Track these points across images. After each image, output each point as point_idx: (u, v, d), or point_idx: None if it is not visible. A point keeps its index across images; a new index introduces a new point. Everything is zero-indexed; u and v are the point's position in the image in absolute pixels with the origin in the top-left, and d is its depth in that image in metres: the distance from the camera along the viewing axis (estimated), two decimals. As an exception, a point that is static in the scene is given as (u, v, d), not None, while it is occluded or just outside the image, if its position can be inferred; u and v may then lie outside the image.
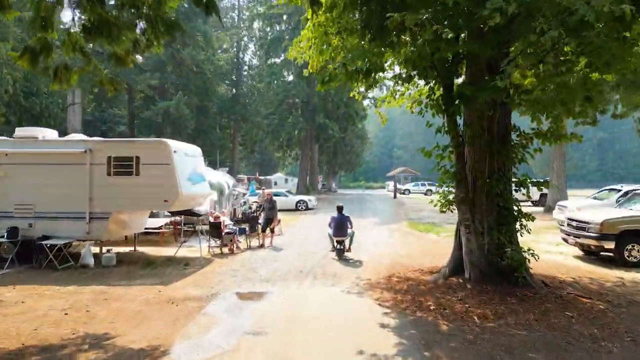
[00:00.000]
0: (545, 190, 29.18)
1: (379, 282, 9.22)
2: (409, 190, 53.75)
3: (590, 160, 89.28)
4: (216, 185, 18.08)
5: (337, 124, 36.26)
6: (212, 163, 50.12)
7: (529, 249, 8.35)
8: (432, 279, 9.04)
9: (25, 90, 24.86)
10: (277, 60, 38.94)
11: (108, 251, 11.58)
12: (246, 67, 47.75)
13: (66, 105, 26.35)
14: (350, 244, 12.54)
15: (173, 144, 11.57)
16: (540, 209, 27.45)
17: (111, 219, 11.33)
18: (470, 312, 6.91)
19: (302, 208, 27.78)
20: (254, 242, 14.51)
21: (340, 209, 12.90)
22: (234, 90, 46.73)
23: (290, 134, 35.30)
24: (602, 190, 20.42)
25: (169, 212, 13.69)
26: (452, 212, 9.43)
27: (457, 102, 7.89)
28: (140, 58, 38.27)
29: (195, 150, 13.14)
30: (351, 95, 12.18)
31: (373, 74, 8.21)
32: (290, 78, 38.75)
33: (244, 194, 21.80)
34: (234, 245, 13.47)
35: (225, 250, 13.36)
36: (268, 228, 14.51)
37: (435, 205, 9.74)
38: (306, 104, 36.22)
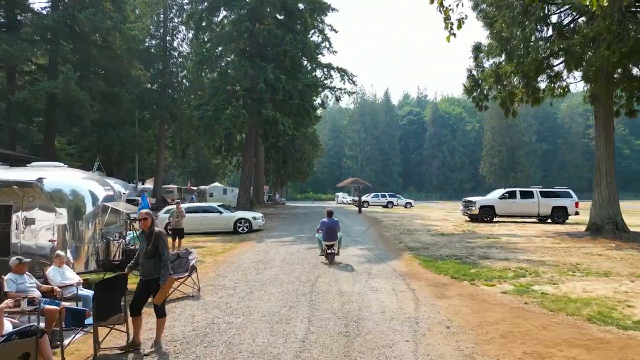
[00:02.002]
0: (560, 202, 22.20)
1: None
2: (367, 202, 46.16)
3: (535, 171, 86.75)
4: (67, 197, 8.91)
5: (290, 118, 27.61)
6: (131, 172, 39.72)
7: None
8: None
9: None
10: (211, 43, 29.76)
11: None
12: (176, 54, 38.01)
13: None
14: (338, 247, 11.73)
15: None
16: (563, 227, 20.21)
17: None
18: None
19: (243, 230, 18.80)
20: (117, 336, 5.53)
21: (330, 214, 11.94)
22: (159, 82, 36.80)
23: (229, 131, 26.21)
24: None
25: None
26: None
27: None
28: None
29: None
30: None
31: None
32: (228, 59, 29.61)
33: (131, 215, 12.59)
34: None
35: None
36: (152, 300, 5.59)
37: None
38: (250, 92, 27.33)
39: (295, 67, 28.27)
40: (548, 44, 15.32)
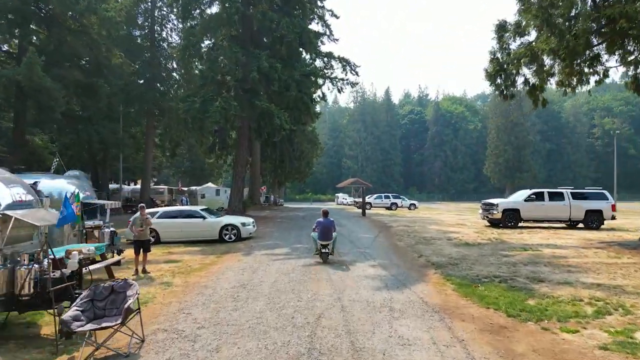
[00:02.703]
0: (594, 205, 19.30)
1: None
2: (370, 204, 43.16)
3: (539, 171, 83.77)
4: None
5: (287, 112, 24.60)
6: (115, 173, 36.77)
7: None
8: None
9: None
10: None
11: None
12: (165, 45, 34.99)
13: None
14: (333, 247, 11.62)
15: None
16: (604, 234, 17.32)
17: None
18: None
19: (230, 238, 15.84)
20: None
21: (325, 214, 11.84)
22: (147, 75, 33.80)
23: (219, 124, 23.18)
24: None
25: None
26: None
27: None
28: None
29: None
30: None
31: None
32: (218, 46, 26.42)
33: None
34: None
35: None
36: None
37: None
38: (241, 82, 24.34)
39: (292, 56, 25.29)
40: (601, 11, 12.39)
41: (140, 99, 31.82)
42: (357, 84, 27.29)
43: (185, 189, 39.60)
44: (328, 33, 28.30)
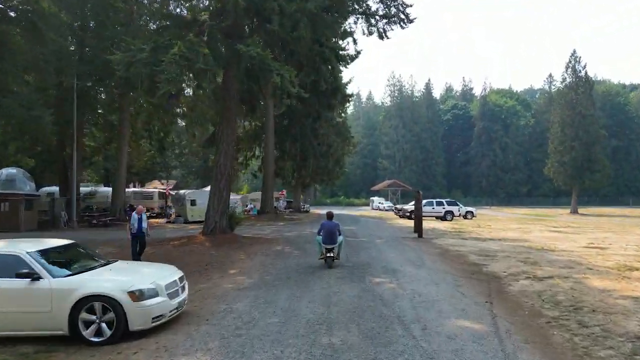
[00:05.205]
0: None
1: None
2: (417, 212, 32.05)
3: (603, 172, 69.50)
4: None
5: (298, 72, 14.40)
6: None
7: None
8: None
9: None
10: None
11: None
12: (146, 2, 25.53)
13: None
14: (339, 252, 10.74)
15: None
16: None
17: None
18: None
19: (99, 336, 5.65)
20: None
21: (330, 216, 10.94)
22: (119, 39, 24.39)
23: (175, 83, 13.09)
24: None
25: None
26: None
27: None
28: None
29: None
30: None
31: None
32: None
33: None
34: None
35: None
36: None
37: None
38: (218, 23, 14.30)
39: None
40: None
41: (107, 71, 22.39)
42: (412, 21, 16.41)
43: (175, 192, 29.91)
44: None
